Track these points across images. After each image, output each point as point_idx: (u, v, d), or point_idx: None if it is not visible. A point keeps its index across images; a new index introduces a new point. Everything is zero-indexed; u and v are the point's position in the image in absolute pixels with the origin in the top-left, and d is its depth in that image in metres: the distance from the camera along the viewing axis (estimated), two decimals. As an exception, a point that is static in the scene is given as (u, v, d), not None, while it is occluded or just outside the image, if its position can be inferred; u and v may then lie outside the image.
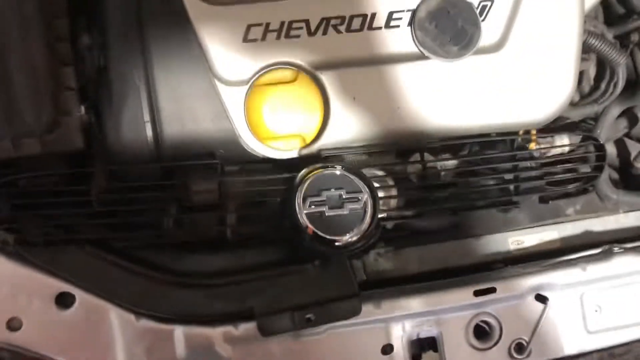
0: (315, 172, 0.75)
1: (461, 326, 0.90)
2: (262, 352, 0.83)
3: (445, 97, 0.84)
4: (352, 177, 0.75)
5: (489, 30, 0.84)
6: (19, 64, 0.74)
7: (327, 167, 0.76)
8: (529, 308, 0.91)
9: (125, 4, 0.80)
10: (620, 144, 1.15)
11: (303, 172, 0.77)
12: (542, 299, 0.91)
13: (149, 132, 0.81)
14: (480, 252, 1.00)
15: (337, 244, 0.73)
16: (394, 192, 0.85)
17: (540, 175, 0.91)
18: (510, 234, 1.01)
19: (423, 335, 0.89)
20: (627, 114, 1.08)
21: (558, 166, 0.90)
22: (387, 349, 0.87)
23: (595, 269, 0.92)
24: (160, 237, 0.81)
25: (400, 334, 0.88)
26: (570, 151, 0.95)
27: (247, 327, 0.83)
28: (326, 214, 0.72)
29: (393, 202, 0.84)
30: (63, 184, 0.79)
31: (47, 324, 0.77)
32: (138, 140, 0.80)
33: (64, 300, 0.78)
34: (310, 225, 0.72)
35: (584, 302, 0.92)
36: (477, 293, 0.88)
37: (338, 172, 0.75)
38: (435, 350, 0.89)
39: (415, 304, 0.87)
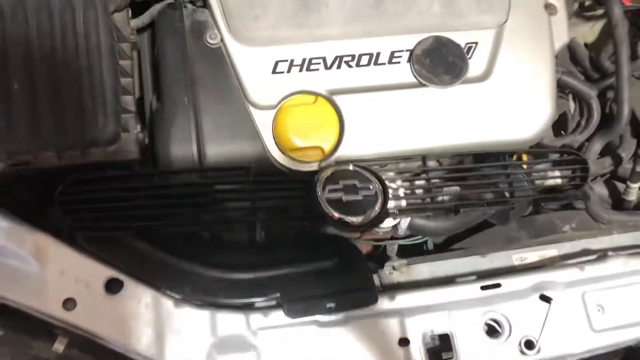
0: (332, 168, 0.90)
1: (473, 323, 0.96)
2: (288, 339, 0.91)
3: (441, 118, 1.00)
4: (364, 171, 0.89)
5: (476, 64, 1.02)
6: (92, 89, 0.92)
7: (342, 164, 0.90)
8: (535, 307, 0.98)
9: (177, 48, 1.00)
10: (609, 184, 1.28)
11: (322, 170, 0.92)
12: (546, 299, 0.99)
13: (194, 148, 0.97)
14: (487, 267, 1.08)
15: (354, 222, 0.85)
16: (402, 190, 0.97)
17: (531, 180, 1.02)
18: (514, 252, 1.10)
19: (437, 331, 0.96)
20: (611, 154, 1.22)
21: (548, 174, 1.02)
22: (404, 341, 0.94)
23: (593, 269, 1.00)
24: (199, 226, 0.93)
25: (415, 329, 0.95)
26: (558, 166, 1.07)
27: (276, 315, 0.91)
28: (343, 200, 0.85)
29: (403, 203, 0.96)
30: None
31: (97, 306, 0.87)
32: (184, 156, 0.96)
33: (113, 286, 0.88)
34: (329, 208, 0.84)
35: (586, 301, 0.99)
36: (483, 288, 0.96)
37: (351, 168, 0.89)
38: (449, 346, 0.95)
39: (426, 296, 0.95)
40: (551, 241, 1.10)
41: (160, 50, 1.01)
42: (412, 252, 1.17)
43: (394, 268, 1.06)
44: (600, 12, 1.34)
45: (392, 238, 1.12)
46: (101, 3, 0.95)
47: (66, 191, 0.90)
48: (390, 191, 0.93)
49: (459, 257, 1.10)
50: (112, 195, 0.90)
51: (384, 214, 0.89)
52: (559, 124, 1.21)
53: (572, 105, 1.20)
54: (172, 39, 1.01)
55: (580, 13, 1.38)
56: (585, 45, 1.42)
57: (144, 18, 1.04)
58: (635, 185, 1.15)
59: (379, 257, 1.10)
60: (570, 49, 1.30)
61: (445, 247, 1.19)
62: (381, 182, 0.89)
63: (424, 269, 1.07)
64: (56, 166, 0.92)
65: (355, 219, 0.85)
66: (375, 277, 1.06)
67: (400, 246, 1.13)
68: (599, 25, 1.44)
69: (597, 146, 1.17)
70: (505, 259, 1.09)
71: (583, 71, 1.31)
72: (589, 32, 1.46)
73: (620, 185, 1.26)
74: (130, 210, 0.89)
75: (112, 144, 0.94)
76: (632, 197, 1.17)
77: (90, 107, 0.93)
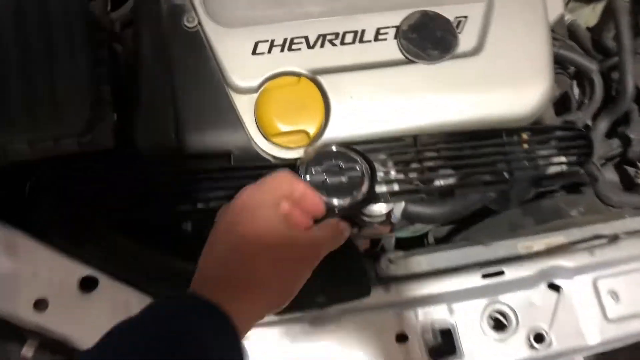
0: (314, 150, 0.84)
1: (475, 316, 0.90)
2: (278, 337, 0.85)
3: (431, 95, 0.94)
4: (348, 151, 0.83)
5: (466, 38, 0.96)
6: (65, 77, 0.87)
7: (325, 146, 0.84)
8: (543, 297, 0.91)
9: (154, 33, 0.95)
10: (620, 169, 1.21)
11: (304, 153, 0.86)
12: (555, 287, 0.92)
13: (173, 136, 0.92)
14: (491, 257, 1.02)
15: (340, 204, 0.78)
16: (393, 173, 0.91)
17: (531, 159, 0.95)
18: (519, 240, 1.03)
19: (438, 326, 0.89)
20: (619, 134, 1.15)
21: (547, 149, 0.95)
22: (402, 337, 0.87)
23: (604, 253, 0.93)
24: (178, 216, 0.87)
25: (413, 323, 0.88)
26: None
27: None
28: (328, 182, 0.79)
29: (395, 186, 0.89)
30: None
31: (71, 306, 0.81)
32: (162, 144, 0.91)
33: (87, 284, 0.83)
34: (313, 192, 0.78)
35: (598, 288, 0.92)
36: (485, 276, 0.89)
37: (334, 149, 0.83)
38: (452, 342, 0.89)
39: (423, 286, 0.89)
40: (558, 227, 1.03)
41: (136, 36, 0.97)
42: (413, 246, 1.10)
43: (390, 261, 0.99)
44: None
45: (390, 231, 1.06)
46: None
47: (37, 185, 0.85)
48: (380, 174, 0.86)
49: (460, 247, 1.03)
50: (86, 188, 0.85)
51: (372, 195, 0.82)
52: (561, 105, 1.15)
53: (570, 82, 1.14)
54: (149, 23, 0.97)
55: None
56: (587, 28, 1.36)
57: (126, 8, 1.00)
58: (646, 167, 1.09)
59: (377, 253, 1.03)
60: (571, 31, 1.24)
61: (447, 240, 1.13)
62: (368, 161, 0.83)
63: (423, 260, 1.00)
64: (29, 159, 0.88)
65: (342, 202, 0.79)
66: (371, 271, 1.00)
67: (400, 242, 1.06)
68: (600, 7, 1.39)
69: (602, 125, 1.10)
70: (510, 248, 1.01)
71: (585, 52, 1.25)
72: (591, 14, 1.40)
73: (632, 171, 1.19)
74: (104, 199, 0.84)
75: (87, 133, 0.89)
76: (644, 179, 1.10)
77: (64, 97, 0.88)
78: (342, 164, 0.81)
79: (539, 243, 1.03)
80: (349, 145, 0.85)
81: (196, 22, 0.94)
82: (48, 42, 0.88)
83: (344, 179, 0.80)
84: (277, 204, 0.69)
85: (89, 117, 0.88)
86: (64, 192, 0.83)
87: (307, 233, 0.72)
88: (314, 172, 0.80)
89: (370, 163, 0.83)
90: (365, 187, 0.80)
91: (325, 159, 0.81)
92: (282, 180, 0.72)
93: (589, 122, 1.13)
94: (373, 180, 0.82)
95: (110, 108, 0.92)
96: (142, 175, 0.85)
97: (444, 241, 1.13)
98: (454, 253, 1.01)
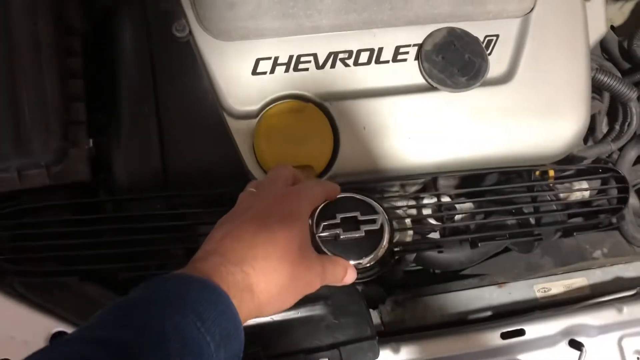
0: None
1: (490, 376, 0.82)
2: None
3: (455, 128, 0.83)
4: (367, 200, 0.71)
5: (496, 62, 0.84)
6: (30, 95, 0.74)
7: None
8: (563, 356, 0.84)
9: (137, 41, 0.82)
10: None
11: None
12: (577, 345, 0.84)
13: (157, 164, 0.80)
14: (505, 300, 0.94)
15: (360, 264, 0.68)
16: (408, 223, 0.81)
17: (561, 208, 0.86)
18: (535, 281, 0.95)
19: (449, 387, 0.82)
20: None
21: (579, 197, 0.86)
22: (410, 401, 0.79)
23: (633, 310, 0.85)
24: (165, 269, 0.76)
25: (423, 385, 0.80)
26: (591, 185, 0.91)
27: (255, 373, 0.76)
28: (341, 237, 0.68)
29: (409, 235, 0.80)
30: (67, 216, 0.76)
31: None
32: (146, 172, 0.79)
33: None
34: (324, 249, 0.67)
35: (623, 347, 0.84)
36: (504, 335, 0.81)
37: (351, 196, 0.72)
38: (463, 405, 0.81)
39: (436, 348, 0.80)
40: (579, 268, 0.95)
41: (116, 45, 0.83)
42: (417, 275, 1.01)
43: (396, 303, 0.91)
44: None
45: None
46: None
47: (-1, 226, 0.74)
48: (395, 224, 0.76)
49: (472, 287, 0.95)
50: (55, 231, 0.73)
51: (390, 254, 0.72)
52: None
53: (603, 106, 1.03)
54: (132, 31, 0.84)
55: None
56: (613, 29, 1.24)
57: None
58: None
59: (378, 287, 0.94)
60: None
61: (456, 271, 1.04)
62: (387, 213, 0.72)
63: (432, 304, 0.92)
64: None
65: (361, 261, 0.68)
66: (374, 313, 0.91)
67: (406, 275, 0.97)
68: (629, 6, 1.27)
69: (631, 154, 1.00)
70: (526, 290, 0.94)
71: (611, 59, 1.14)
72: (618, 13, 1.28)
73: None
74: (77, 248, 0.72)
75: (58, 163, 0.77)
76: (671, 211, 1.02)
77: (29, 119, 0.75)
78: (359, 216, 0.69)
79: (557, 285, 0.95)
80: (363, 193, 0.73)
81: (187, 31, 0.80)
82: (5, 49, 0.75)
83: (361, 233, 0.68)
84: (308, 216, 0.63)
85: (59, 144, 0.76)
86: (28, 237, 0.72)
87: (320, 261, 0.63)
88: (326, 226, 0.68)
89: (389, 215, 0.72)
90: (385, 243, 0.69)
91: (339, 209, 0.69)
92: (318, 194, 0.66)
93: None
94: (392, 235, 0.71)
95: (86, 131, 0.79)
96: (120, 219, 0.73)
97: (454, 273, 1.04)
98: (467, 295, 0.93)
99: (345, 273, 0.65)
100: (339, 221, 0.68)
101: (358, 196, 0.72)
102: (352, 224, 0.69)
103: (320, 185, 0.67)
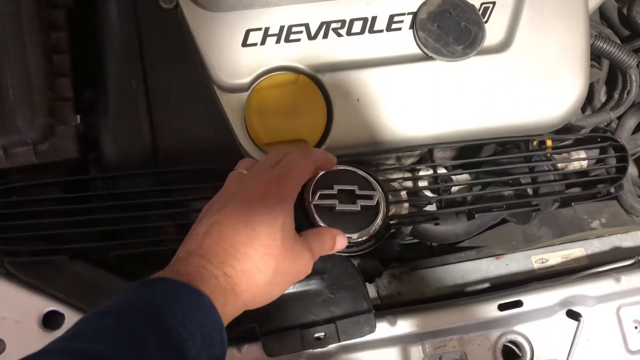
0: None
1: (487, 347, 0.81)
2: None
3: (451, 98, 0.81)
4: (364, 174, 0.70)
5: (493, 30, 0.82)
6: (14, 71, 0.72)
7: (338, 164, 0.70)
8: (561, 326, 0.83)
9: (123, 13, 0.80)
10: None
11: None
12: (574, 315, 0.83)
13: (147, 143, 0.78)
14: (502, 272, 0.93)
15: (350, 239, 0.67)
16: (404, 195, 0.80)
17: (559, 178, 0.85)
18: (533, 252, 0.94)
19: (446, 359, 0.81)
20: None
21: (577, 167, 0.85)
22: (407, 373, 0.79)
23: (631, 280, 0.84)
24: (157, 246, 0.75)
25: (420, 357, 0.80)
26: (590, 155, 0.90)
27: (252, 349, 0.76)
28: (337, 209, 0.67)
29: (405, 207, 0.79)
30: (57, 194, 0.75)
31: (33, 346, 0.71)
32: (135, 148, 0.77)
33: (52, 320, 0.72)
34: (318, 218, 0.66)
35: (621, 317, 0.84)
36: (501, 307, 0.81)
37: (349, 169, 0.70)
38: (461, 376, 0.81)
39: (434, 320, 0.80)
40: (577, 239, 0.95)
41: (101, 18, 0.81)
42: (413, 248, 1.00)
43: (393, 276, 0.90)
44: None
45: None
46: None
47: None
48: (390, 196, 0.75)
49: (469, 259, 0.94)
50: (44, 209, 0.72)
51: (386, 227, 0.71)
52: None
53: (602, 74, 1.01)
54: (117, 3, 0.81)
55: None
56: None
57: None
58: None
59: (374, 261, 0.93)
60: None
61: (453, 243, 1.03)
62: (383, 189, 0.70)
63: (429, 276, 0.91)
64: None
65: (354, 235, 0.67)
66: (371, 287, 0.90)
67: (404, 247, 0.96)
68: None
69: (630, 122, 0.98)
70: (524, 262, 0.93)
71: (610, 26, 1.11)
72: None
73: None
74: (67, 227, 0.71)
75: (44, 140, 0.75)
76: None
77: (13, 95, 0.73)
78: (356, 190, 0.68)
79: (554, 256, 0.95)
80: (361, 167, 0.71)
81: (174, 2, 0.78)
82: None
83: (356, 207, 0.67)
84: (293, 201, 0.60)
85: (45, 120, 0.74)
86: (17, 216, 0.70)
87: (307, 245, 0.62)
88: (322, 195, 0.66)
89: (385, 191, 0.70)
90: (380, 220, 0.68)
91: (336, 180, 0.68)
92: (304, 171, 0.63)
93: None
94: (387, 211, 0.70)
95: (72, 108, 0.77)
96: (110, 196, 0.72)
97: (451, 245, 1.03)
98: (464, 267, 0.93)
99: (335, 242, 0.64)
100: (335, 192, 0.67)
101: (356, 170, 0.70)
102: (348, 197, 0.68)
103: (310, 157, 0.65)
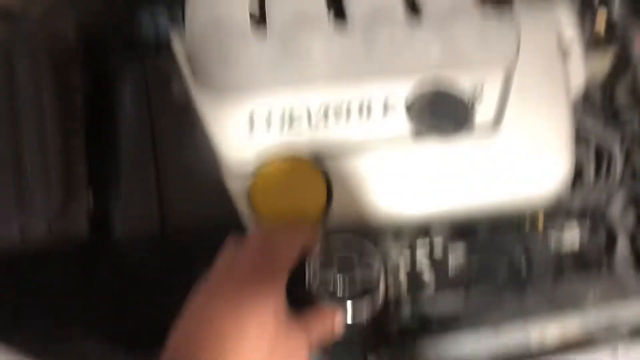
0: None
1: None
2: None
3: (443, 178, 0.85)
4: (366, 242, 0.71)
5: (482, 111, 0.88)
6: (33, 153, 0.77)
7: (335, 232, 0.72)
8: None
9: (137, 103, 0.85)
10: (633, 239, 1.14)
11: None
12: (573, 390, 0.85)
13: (157, 222, 0.82)
14: (501, 346, 0.94)
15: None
16: (402, 274, 0.83)
17: (552, 256, 0.88)
18: (531, 325, 0.96)
19: None
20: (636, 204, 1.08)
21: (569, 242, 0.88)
22: None
23: (627, 352, 0.86)
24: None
25: None
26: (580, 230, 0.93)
27: None
28: (340, 278, 0.68)
29: (403, 279, 0.81)
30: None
31: None
32: (145, 227, 0.81)
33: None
34: (318, 299, 0.68)
35: (618, 391, 0.85)
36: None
37: (353, 237, 0.71)
38: None
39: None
40: (573, 311, 0.96)
41: (116, 104, 0.87)
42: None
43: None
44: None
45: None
46: (44, 46, 0.81)
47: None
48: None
49: (467, 331, 0.95)
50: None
51: (386, 299, 0.73)
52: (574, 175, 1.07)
53: (589, 152, 1.06)
54: (132, 90, 0.87)
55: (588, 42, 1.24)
56: (595, 78, 1.28)
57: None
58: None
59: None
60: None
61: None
62: (383, 259, 0.73)
63: (428, 350, 0.92)
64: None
65: (353, 306, 0.69)
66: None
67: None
68: (608, 55, 1.31)
69: (619, 199, 1.02)
70: (522, 335, 0.95)
71: (593, 107, 1.17)
72: (599, 64, 1.32)
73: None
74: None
75: (59, 216, 0.79)
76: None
77: (31, 175, 0.78)
78: (356, 258, 0.69)
79: (552, 328, 0.96)
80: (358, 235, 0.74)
81: (184, 89, 0.83)
82: (9, 108, 0.78)
83: (357, 277, 0.68)
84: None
85: (60, 197, 0.78)
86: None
87: (302, 326, 0.62)
88: (324, 266, 0.68)
89: (385, 262, 0.73)
90: (381, 291, 0.69)
91: (337, 248, 0.69)
92: (294, 248, 0.63)
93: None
94: (387, 281, 0.72)
95: (85, 186, 0.82)
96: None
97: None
98: (461, 340, 0.94)
99: (334, 323, 0.65)
100: (337, 261, 0.68)
101: (361, 239, 0.72)
102: (350, 266, 0.69)
103: (300, 235, 0.66)
